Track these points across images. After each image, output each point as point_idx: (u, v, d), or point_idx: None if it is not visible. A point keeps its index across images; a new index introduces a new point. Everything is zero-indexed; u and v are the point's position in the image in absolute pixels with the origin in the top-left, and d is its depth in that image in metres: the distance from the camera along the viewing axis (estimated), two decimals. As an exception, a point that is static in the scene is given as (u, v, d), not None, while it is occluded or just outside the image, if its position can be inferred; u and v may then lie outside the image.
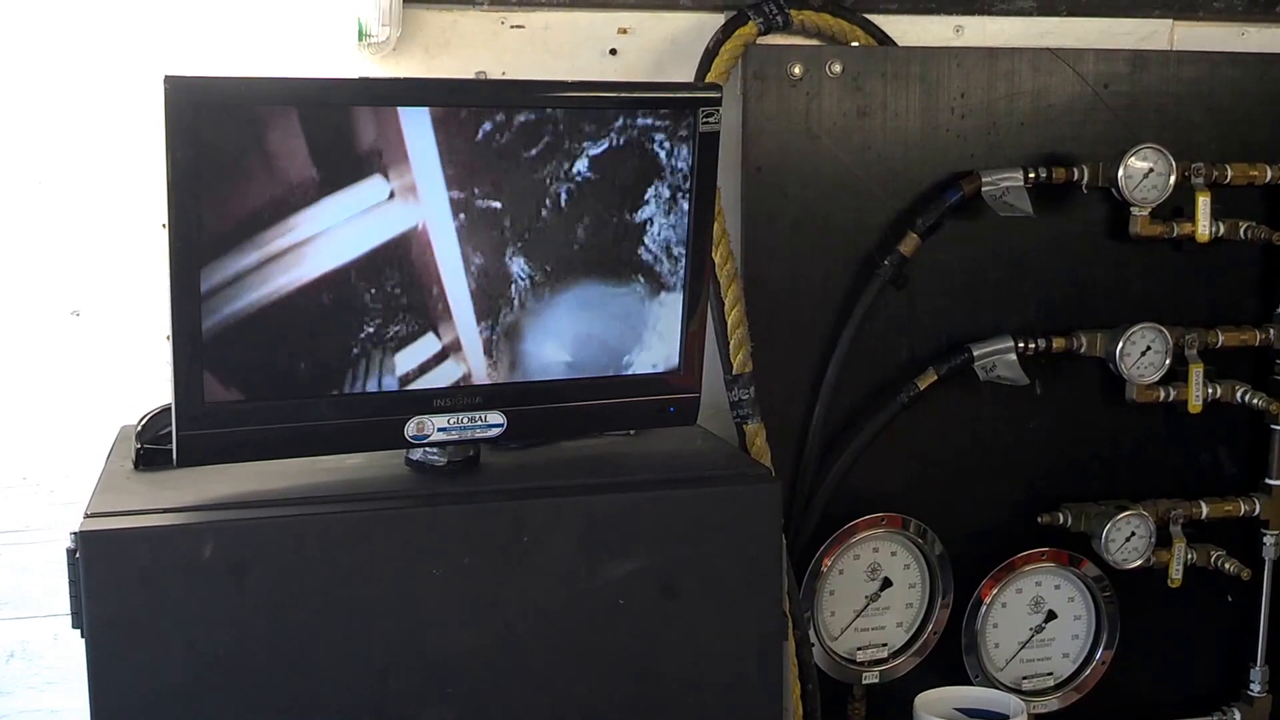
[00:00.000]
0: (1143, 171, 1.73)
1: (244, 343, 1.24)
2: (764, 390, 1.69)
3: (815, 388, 1.75)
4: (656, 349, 1.41)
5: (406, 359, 1.31)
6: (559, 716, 1.33)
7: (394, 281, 1.28)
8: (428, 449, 1.36)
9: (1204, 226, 1.77)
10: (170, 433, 1.25)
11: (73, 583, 1.20)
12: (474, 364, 1.34)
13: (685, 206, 1.38)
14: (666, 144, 1.36)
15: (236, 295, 1.22)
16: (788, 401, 1.74)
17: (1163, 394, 1.79)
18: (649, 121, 1.34)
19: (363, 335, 1.28)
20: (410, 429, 1.32)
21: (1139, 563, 1.79)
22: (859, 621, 1.79)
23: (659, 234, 1.38)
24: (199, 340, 1.22)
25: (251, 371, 1.25)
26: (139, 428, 1.42)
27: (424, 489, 1.34)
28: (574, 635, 1.33)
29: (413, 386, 1.32)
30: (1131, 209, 1.75)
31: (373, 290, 1.27)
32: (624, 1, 1.72)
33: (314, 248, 1.24)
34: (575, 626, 1.32)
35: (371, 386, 1.30)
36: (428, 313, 1.31)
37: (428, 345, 1.32)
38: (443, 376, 1.33)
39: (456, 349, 1.33)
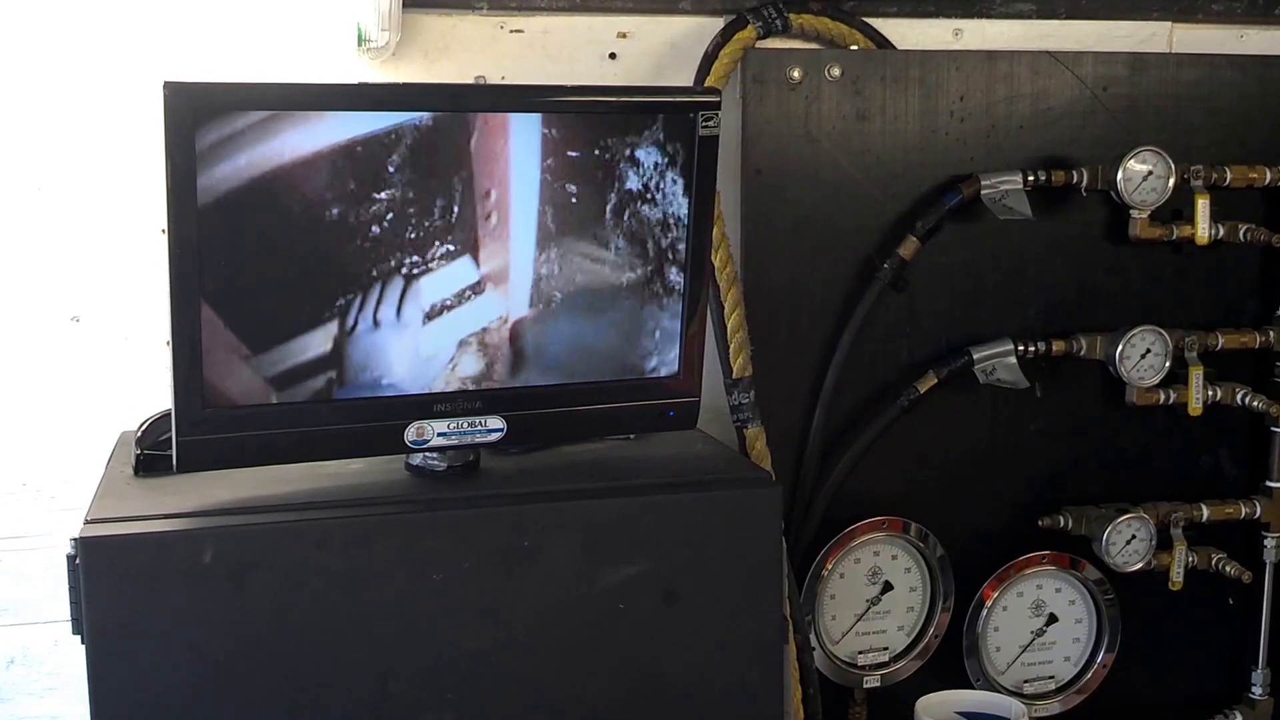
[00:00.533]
0: (1142, 174, 1.74)
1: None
2: (764, 394, 1.69)
3: (815, 391, 1.75)
4: (656, 353, 1.42)
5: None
6: (560, 721, 1.34)
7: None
8: (428, 454, 1.36)
9: (1203, 229, 1.77)
10: (170, 438, 1.25)
11: (73, 589, 1.21)
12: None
13: (685, 210, 1.38)
14: (666, 148, 1.36)
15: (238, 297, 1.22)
16: (788, 405, 1.74)
17: (1163, 396, 1.79)
18: (648, 126, 1.34)
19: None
20: (410, 434, 1.32)
21: (1140, 565, 1.79)
22: (860, 625, 1.79)
23: (658, 238, 1.38)
24: (199, 345, 1.21)
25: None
26: (139, 433, 1.42)
27: (424, 494, 1.34)
28: (574, 639, 1.33)
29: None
30: (1131, 211, 1.76)
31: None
32: (623, 6, 1.72)
33: (320, 250, 1.24)
34: (576, 631, 1.33)
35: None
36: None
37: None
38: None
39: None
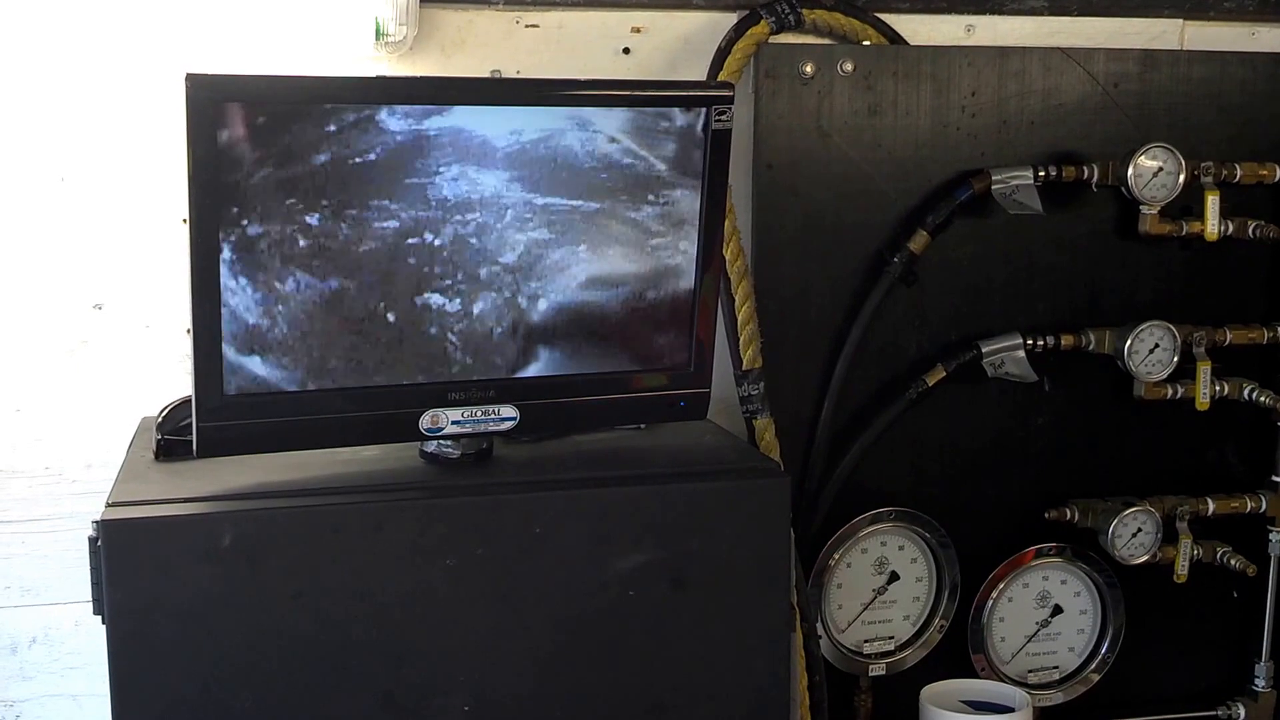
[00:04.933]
0: (1152, 170, 1.74)
1: (268, 329, 1.26)
2: (773, 386, 1.71)
3: (824, 383, 1.76)
4: (667, 344, 1.43)
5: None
6: (569, 706, 1.35)
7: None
8: (442, 441, 1.38)
9: (1213, 225, 1.78)
10: (190, 424, 1.27)
11: (94, 570, 1.23)
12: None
13: (696, 204, 1.40)
14: (678, 142, 1.37)
15: (258, 287, 1.25)
16: (797, 397, 1.76)
17: (1170, 391, 1.80)
18: (661, 119, 1.36)
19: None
20: (425, 422, 1.34)
21: (1145, 558, 1.81)
22: (866, 614, 1.81)
23: (670, 231, 1.40)
24: (219, 333, 1.24)
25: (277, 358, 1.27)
26: (159, 419, 1.44)
27: (438, 481, 1.36)
28: (584, 626, 1.34)
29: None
30: (1141, 207, 1.76)
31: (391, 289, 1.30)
32: (637, 1, 1.73)
33: (338, 242, 1.27)
34: (586, 617, 1.34)
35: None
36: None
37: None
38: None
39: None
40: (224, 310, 1.23)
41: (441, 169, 1.28)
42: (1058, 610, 1.86)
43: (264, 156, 1.22)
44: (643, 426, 1.53)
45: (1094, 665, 1.87)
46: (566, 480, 1.37)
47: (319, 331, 1.28)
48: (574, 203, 1.35)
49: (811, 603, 1.72)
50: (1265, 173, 1.81)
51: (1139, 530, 1.80)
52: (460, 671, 1.31)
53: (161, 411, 1.45)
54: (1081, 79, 1.79)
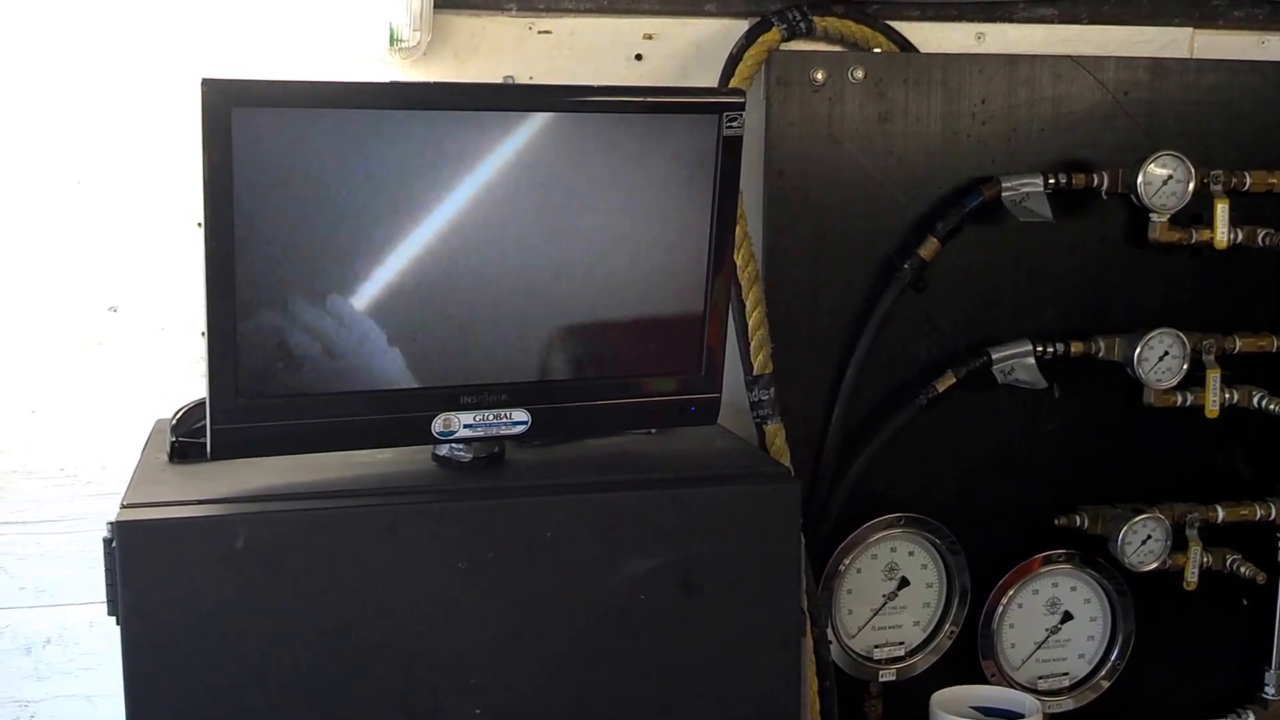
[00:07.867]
0: (1162, 178, 1.75)
1: (277, 338, 1.27)
2: (784, 391, 1.71)
3: (834, 389, 1.76)
4: (678, 349, 1.44)
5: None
6: (580, 708, 1.35)
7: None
8: (454, 445, 1.38)
9: (1222, 233, 1.78)
10: (204, 426, 1.28)
11: (109, 571, 1.23)
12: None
13: (708, 210, 1.40)
14: (690, 148, 1.38)
15: (272, 291, 1.25)
16: (807, 402, 1.76)
17: (1180, 398, 1.80)
18: (673, 126, 1.36)
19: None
20: (437, 425, 1.35)
21: (1155, 565, 1.81)
22: (876, 620, 1.81)
23: (681, 236, 1.40)
24: (233, 336, 1.24)
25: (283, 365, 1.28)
26: (174, 421, 1.45)
27: (450, 484, 1.36)
28: (595, 629, 1.34)
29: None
30: (1150, 215, 1.76)
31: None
32: (650, 8, 1.74)
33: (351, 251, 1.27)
34: (596, 621, 1.34)
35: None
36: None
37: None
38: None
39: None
40: (238, 313, 1.24)
41: (454, 170, 1.29)
42: (1067, 617, 1.86)
43: (278, 160, 1.23)
44: (653, 431, 1.54)
45: (1104, 672, 1.87)
46: (577, 484, 1.37)
47: (332, 334, 1.29)
48: (585, 210, 1.35)
49: (822, 608, 1.72)
50: (1275, 181, 1.81)
51: (1148, 537, 1.80)
52: (471, 674, 1.31)
53: (176, 414, 1.46)
54: (1091, 87, 1.79)
